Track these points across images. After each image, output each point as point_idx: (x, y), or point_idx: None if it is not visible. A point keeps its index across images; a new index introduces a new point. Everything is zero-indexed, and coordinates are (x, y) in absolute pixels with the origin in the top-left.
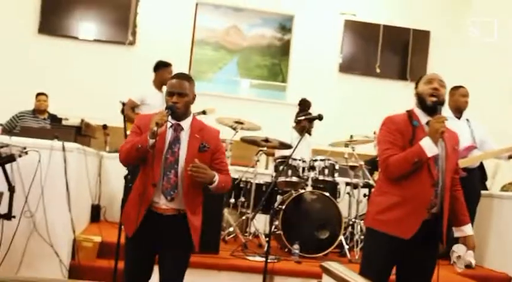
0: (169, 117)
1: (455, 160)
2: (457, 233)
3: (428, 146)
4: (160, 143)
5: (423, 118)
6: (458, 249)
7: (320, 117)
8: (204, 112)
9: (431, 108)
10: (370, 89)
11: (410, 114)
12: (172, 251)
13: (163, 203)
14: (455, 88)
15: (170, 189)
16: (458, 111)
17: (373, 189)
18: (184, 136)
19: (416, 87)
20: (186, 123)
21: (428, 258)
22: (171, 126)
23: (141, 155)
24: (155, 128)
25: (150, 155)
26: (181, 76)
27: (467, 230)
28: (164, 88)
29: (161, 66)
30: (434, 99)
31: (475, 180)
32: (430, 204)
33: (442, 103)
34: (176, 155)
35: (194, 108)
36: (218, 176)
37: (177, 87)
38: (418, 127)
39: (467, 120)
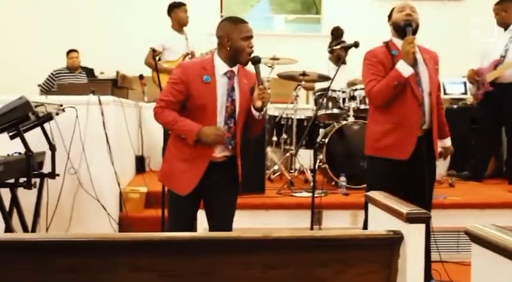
0: (220, 63)
1: (436, 79)
2: (440, 144)
3: (402, 68)
4: (213, 92)
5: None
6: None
7: (356, 45)
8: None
9: (403, 30)
10: None
11: (388, 44)
12: (222, 194)
13: (219, 152)
14: (495, 4)
15: (231, 138)
16: (501, 25)
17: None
18: (236, 82)
19: (389, 19)
20: (236, 69)
21: (427, 172)
22: (225, 73)
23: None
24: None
25: (205, 107)
26: (245, 20)
27: (447, 142)
28: (185, 30)
29: (173, 8)
30: (404, 21)
31: (510, 95)
32: (420, 123)
33: (412, 25)
34: (235, 103)
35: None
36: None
37: (251, 31)
38: (397, 56)
39: None
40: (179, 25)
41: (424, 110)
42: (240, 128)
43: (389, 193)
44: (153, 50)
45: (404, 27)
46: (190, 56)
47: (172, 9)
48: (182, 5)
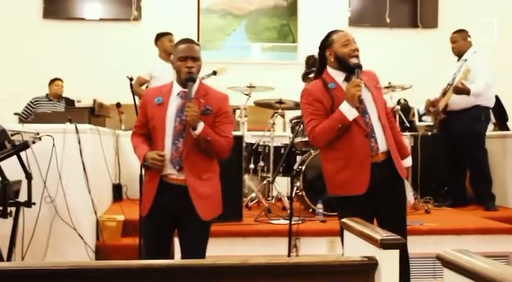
0: (176, 85)
1: (382, 98)
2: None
3: (347, 111)
4: (162, 113)
5: (339, 77)
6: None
7: None
8: (214, 73)
9: (350, 68)
10: (382, 40)
11: (323, 78)
12: (188, 222)
13: (174, 173)
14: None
15: (179, 159)
16: (455, 54)
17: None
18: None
19: (327, 46)
20: (193, 89)
21: (397, 194)
22: (178, 94)
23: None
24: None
25: (155, 129)
26: (190, 40)
27: (406, 162)
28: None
29: (159, 37)
30: (355, 60)
31: (462, 121)
32: (371, 152)
33: (361, 66)
34: (184, 123)
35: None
36: (205, 127)
37: (190, 52)
38: (335, 88)
39: (465, 60)
40: (166, 54)
41: (376, 138)
42: (186, 148)
43: None
44: (130, 79)
45: (353, 68)
46: None
47: (158, 38)
48: (168, 34)
